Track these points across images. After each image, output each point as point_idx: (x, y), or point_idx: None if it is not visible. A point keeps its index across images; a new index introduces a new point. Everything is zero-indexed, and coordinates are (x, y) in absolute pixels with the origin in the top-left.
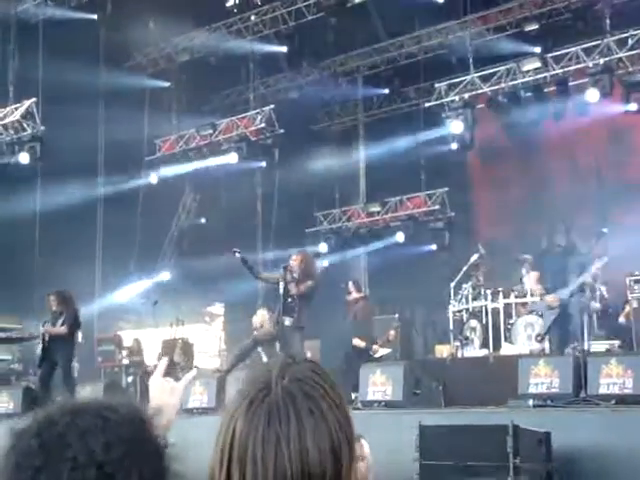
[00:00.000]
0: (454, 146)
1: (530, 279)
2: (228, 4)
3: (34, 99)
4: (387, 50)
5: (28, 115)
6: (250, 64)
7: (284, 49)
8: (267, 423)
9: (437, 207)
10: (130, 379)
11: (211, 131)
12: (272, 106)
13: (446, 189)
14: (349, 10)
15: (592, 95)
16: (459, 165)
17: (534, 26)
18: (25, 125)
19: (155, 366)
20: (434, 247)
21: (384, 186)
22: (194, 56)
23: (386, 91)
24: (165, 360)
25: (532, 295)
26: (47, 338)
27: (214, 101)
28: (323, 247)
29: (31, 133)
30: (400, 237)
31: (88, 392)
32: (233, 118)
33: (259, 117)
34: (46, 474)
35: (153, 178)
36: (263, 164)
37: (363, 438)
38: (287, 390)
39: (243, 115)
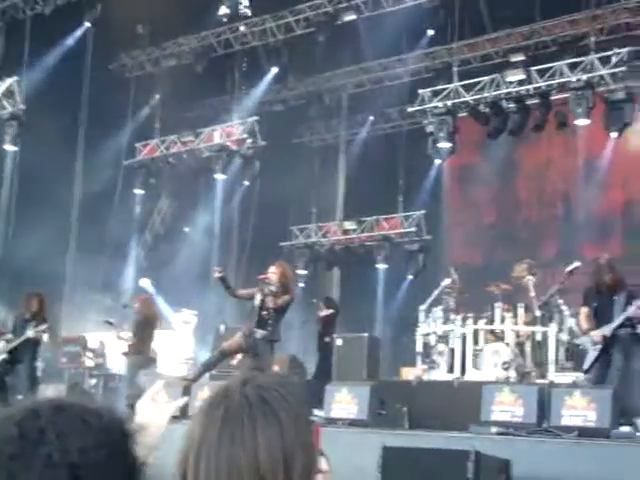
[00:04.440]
0: (437, 161)
1: (581, 316)
2: (220, 12)
3: (16, 78)
4: (373, 70)
5: (9, 93)
6: (236, 74)
7: (275, 70)
8: (222, 424)
9: (413, 229)
10: (93, 382)
11: (192, 138)
12: (255, 117)
13: (423, 212)
14: (338, 28)
15: (581, 120)
16: (436, 188)
17: (520, 57)
18: (5, 103)
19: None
20: (409, 271)
21: (361, 205)
22: (181, 62)
23: (369, 112)
24: (160, 384)
25: (501, 322)
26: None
27: (197, 108)
28: (301, 271)
29: (11, 111)
30: (381, 265)
31: (50, 392)
32: (215, 127)
33: (241, 127)
34: (19, 464)
35: (139, 190)
36: (246, 183)
37: (323, 455)
38: (245, 395)
39: (226, 124)
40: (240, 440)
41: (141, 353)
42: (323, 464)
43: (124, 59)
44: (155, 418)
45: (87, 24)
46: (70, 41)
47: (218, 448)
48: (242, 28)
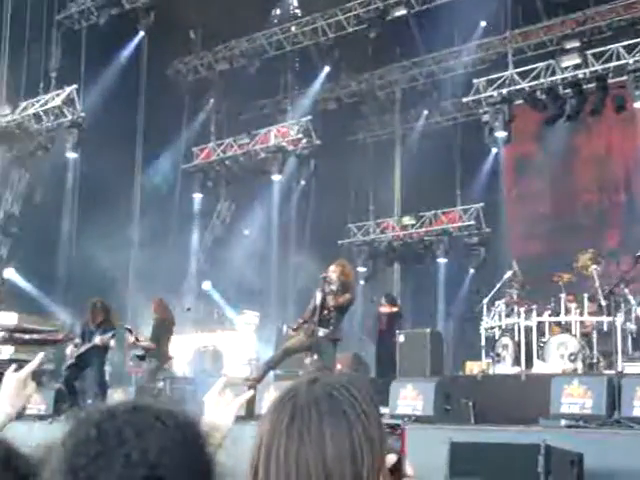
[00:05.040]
0: (494, 150)
1: None
2: (272, 13)
3: (75, 86)
4: (426, 64)
5: (69, 101)
6: (289, 74)
7: (327, 68)
8: (290, 421)
9: (472, 222)
10: (160, 384)
11: (248, 140)
12: (309, 117)
13: (481, 204)
14: (389, 23)
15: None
16: (494, 180)
17: (575, 44)
18: (65, 111)
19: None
20: (470, 265)
21: (419, 199)
22: (234, 65)
23: (423, 106)
24: (224, 378)
25: (566, 314)
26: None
27: (252, 110)
28: (360, 268)
29: (71, 119)
30: (441, 259)
31: (119, 396)
32: (270, 128)
33: (296, 127)
34: (99, 464)
35: (197, 194)
36: (302, 182)
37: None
38: (313, 394)
39: (280, 125)
40: (307, 436)
41: (158, 357)
42: (408, 469)
43: (178, 65)
44: (222, 414)
45: (141, 32)
46: (126, 49)
47: (287, 445)
48: (293, 28)
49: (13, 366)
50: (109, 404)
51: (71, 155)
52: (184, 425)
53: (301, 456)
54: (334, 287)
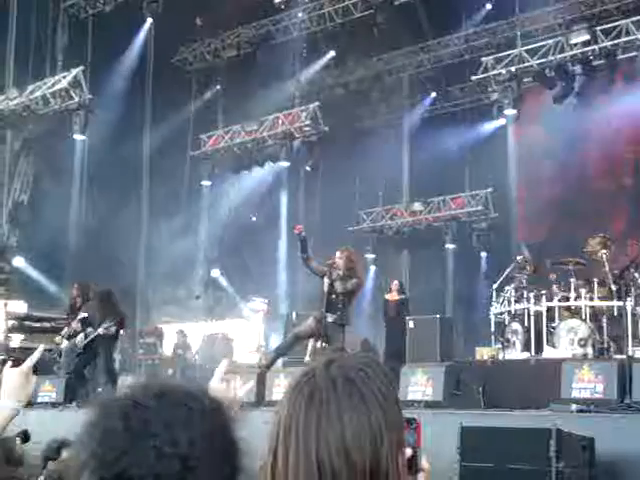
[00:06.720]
0: (501, 121)
1: None
2: (276, 0)
3: (81, 67)
4: (433, 49)
5: (76, 83)
6: (296, 60)
7: (332, 53)
8: (309, 403)
9: (480, 208)
10: (170, 372)
11: (256, 127)
12: (317, 103)
13: (490, 190)
14: (396, 8)
15: None
16: (502, 164)
17: (583, 26)
18: (73, 93)
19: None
20: (479, 250)
21: (428, 185)
22: (240, 52)
23: (432, 92)
24: (225, 362)
25: (576, 298)
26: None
27: (259, 97)
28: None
29: (78, 101)
30: (450, 245)
31: (130, 383)
32: (278, 114)
33: (304, 114)
34: (131, 459)
35: (206, 182)
36: (310, 169)
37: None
38: (330, 376)
39: (288, 112)
40: (326, 419)
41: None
42: (424, 462)
43: (185, 52)
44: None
45: (149, 19)
46: (132, 37)
47: (306, 425)
48: (300, 14)
49: (9, 363)
50: (134, 389)
51: (79, 137)
52: (210, 409)
53: (320, 436)
54: (341, 273)
